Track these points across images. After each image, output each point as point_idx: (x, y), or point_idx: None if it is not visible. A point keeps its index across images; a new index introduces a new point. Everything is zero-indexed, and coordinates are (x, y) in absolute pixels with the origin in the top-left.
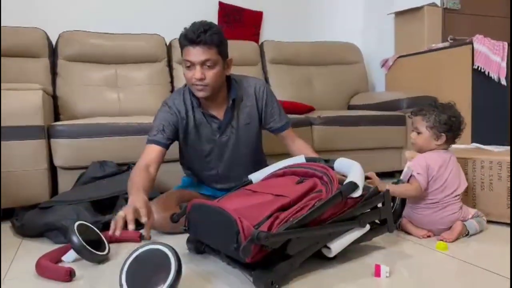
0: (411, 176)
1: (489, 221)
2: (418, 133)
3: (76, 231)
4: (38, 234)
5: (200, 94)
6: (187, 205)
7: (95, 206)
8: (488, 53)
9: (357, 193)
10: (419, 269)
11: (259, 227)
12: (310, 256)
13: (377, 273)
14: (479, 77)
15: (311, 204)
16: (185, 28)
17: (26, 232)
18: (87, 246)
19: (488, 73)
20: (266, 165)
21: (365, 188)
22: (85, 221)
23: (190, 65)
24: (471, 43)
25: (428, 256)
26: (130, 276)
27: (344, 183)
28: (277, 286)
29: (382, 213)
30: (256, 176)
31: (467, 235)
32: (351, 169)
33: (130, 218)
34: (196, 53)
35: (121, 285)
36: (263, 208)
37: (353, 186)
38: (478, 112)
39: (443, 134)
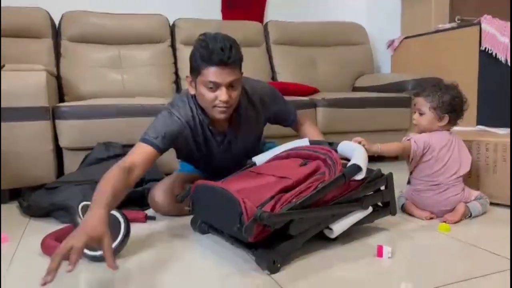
0: (408, 141)
1: (492, 203)
2: (421, 114)
3: (80, 212)
4: (45, 214)
5: (222, 116)
6: (191, 186)
7: None
8: (496, 34)
9: (360, 176)
10: (421, 250)
11: (262, 207)
12: (312, 237)
13: (379, 253)
14: (487, 58)
15: (314, 185)
16: (204, 44)
17: (33, 212)
18: None
19: (496, 54)
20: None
21: (368, 171)
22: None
23: (214, 87)
24: (479, 23)
25: (431, 237)
26: None
27: (348, 165)
28: (279, 265)
29: (385, 195)
30: (260, 159)
31: (469, 216)
32: (355, 152)
33: (79, 246)
34: (224, 75)
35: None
36: (266, 189)
37: (356, 168)
38: (484, 94)
39: (446, 115)
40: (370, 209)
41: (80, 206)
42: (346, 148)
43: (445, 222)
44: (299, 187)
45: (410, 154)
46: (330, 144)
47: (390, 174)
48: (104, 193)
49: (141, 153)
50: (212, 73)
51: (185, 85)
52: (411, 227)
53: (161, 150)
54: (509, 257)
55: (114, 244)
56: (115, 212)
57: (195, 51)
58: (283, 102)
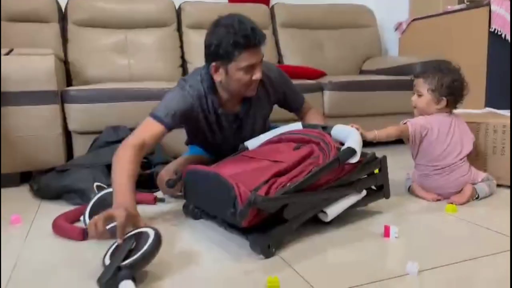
0: (405, 123)
1: (499, 185)
2: (419, 95)
3: (96, 191)
4: (56, 197)
5: (254, 93)
6: (183, 171)
7: (110, 169)
8: (506, 15)
9: (355, 159)
10: (428, 230)
11: (256, 191)
12: (310, 220)
13: (386, 233)
14: (496, 40)
15: (308, 169)
16: (233, 30)
17: (44, 194)
18: None
19: (505, 35)
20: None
21: (362, 154)
22: (101, 184)
23: (251, 67)
24: (488, 4)
25: (438, 218)
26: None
27: (342, 149)
28: (273, 249)
29: (379, 179)
30: (252, 143)
31: (477, 198)
32: (349, 136)
33: (123, 219)
34: (258, 54)
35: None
36: (260, 173)
37: (351, 152)
38: (493, 76)
39: (443, 98)
40: (364, 192)
41: (95, 186)
42: (340, 131)
43: (452, 203)
44: (293, 171)
45: (408, 138)
46: (324, 128)
47: (384, 157)
48: (123, 180)
49: (150, 130)
50: (249, 56)
51: (191, 69)
52: (418, 209)
53: (170, 128)
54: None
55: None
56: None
57: (222, 39)
58: (291, 84)
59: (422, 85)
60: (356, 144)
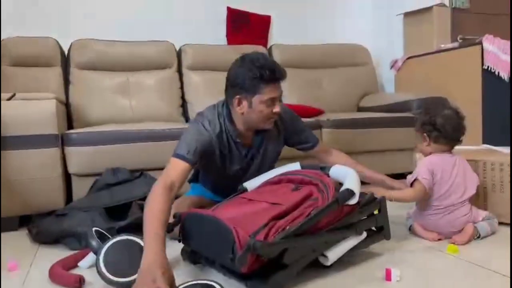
0: (414, 180)
1: (500, 223)
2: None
3: (94, 235)
4: (54, 241)
5: (271, 126)
6: (181, 215)
7: (109, 212)
8: (498, 53)
9: (353, 201)
10: (430, 272)
11: (255, 236)
12: (309, 264)
13: (388, 277)
14: (489, 77)
15: (307, 212)
16: (259, 65)
17: (43, 239)
18: (114, 278)
19: (498, 72)
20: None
21: (361, 195)
22: (99, 228)
23: (272, 102)
24: (480, 43)
25: (439, 259)
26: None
27: (340, 190)
28: None
29: (379, 220)
30: (251, 184)
31: (478, 237)
32: (347, 176)
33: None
34: (279, 89)
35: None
36: (259, 216)
37: (349, 193)
38: (488, 113)
39: (425, 134)
40: (365, 234)
41: (94, 230)
42: (338, 172)
43: (453, 243)
44: (292, 213)
45: (426, 194)
46: (322, 168)
47: (383, 198)
48: (156, 227)
49: (177, 170)
50: (271, 90)
51: (191, 109)
52: (419, 249)
53: (193, 164)
54: None
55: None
56: (136, 239)
57: (247, 72)
58: (301, 123)
59: (415, 125)
60: (354, 185)
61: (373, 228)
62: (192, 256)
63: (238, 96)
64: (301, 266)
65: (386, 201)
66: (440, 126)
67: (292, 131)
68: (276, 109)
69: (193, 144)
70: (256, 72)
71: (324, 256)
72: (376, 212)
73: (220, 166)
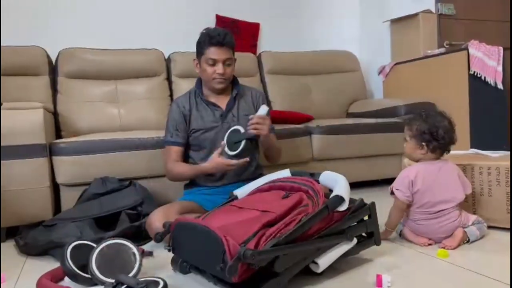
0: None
1: (489, 227)
2: (406, 141)
3: (68, 254)
4: (42, 252)
5: (219, 86)
6: (171, 224)
7: (98, 222)
8: (484, 58)
9: (343, 207)
10: (420, 277)
11: (245, 245)
12: (299, 272)
13: (379, 283)
14: (476, 82)
15: (298, 219)
16: (206, 31)
17: (30, 250)
18: (79, 272)
19: (485, 78)
20: (262, 175)
21: (351, 201)
22: (87, 239)
23: (214, 63)
24: (466, 48)
25: (430, 264)
26: (100, 263)
27: (330, 196)
28: None
29: (369, 226)
30: (241, 192)
31: (468, 241)
32: (337, 183)
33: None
34: (221, 53)
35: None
36: (250, 224)
37: (339, 199)
38: (475, 117)
39: (423, 143)
40: (355, 240)
41: (69, 248)
42: (328, 178)
43: (443, 248)
44: (283, 220)
45: (404, 204)
46: (312, 174)
47: (373, 204)
48: (189, 166)
49: (171, 154)
50: (212, 52)
51: None
52: (409, 254)
53: (181, 144)
54: (508, 282)
55: (133, 273)
56: (130, 245)
57: (199, 39)
58: (268, 108)
59: (406, 132)
60: (344, 191)
61: (363, 234)
62: (182, 265)
63: (195, 59)
64: (293, 274)
65: (375, 206)
66: (441, 137)
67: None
68: (219, 70)
69: (170, 126)
70: (203, 36)
71: (315, 263)
72: (366, 218)
73: (198, 124)
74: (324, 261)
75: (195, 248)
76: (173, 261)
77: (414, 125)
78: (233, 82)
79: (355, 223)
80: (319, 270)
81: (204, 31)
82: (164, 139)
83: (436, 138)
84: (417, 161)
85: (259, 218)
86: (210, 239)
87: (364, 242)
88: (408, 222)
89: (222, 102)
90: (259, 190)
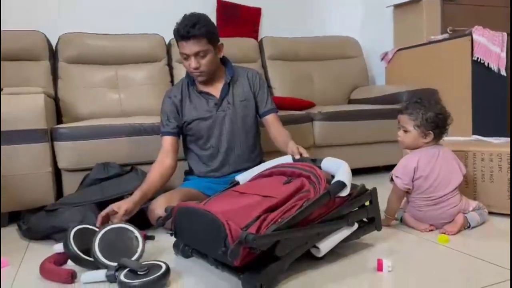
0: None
1: (490, 213)
2: (405, 131)
3: (71, 238)
4: (44, 237)
5: (199, 79)
6: (173, 209)
7: (100, 207)
8: (488, 44)
9: (345, 192)
10: (421, 262)
11: (247, 229)
12: (300, 256)
13: (380, 267)
14: (479, 68)
15: (299, 204)
16: (177, 23)
17: (33, 235)
18: (82, 255)
19: (488, 64)
20: (262, 161)
21: (353, 186)
22: (89, 223)
23: (186, 57)
24: (470, 34)
25: (430, 249)
26: (103, 247)
27: (332, 182)
28: None
29: (370, 211)
30: (243, 177)
31: (468, 227)
32: (339, 168)
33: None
34: (189, 47)
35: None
36: (251, 209)
37: (341, 185)
38: (478, 104)
39: (430, 131)
40: (356, 225)
41: (73, 232)
42: (329, 164)
43: (444, 233)
44: (284, 206)
45: (403, 191)
46: (313, 160)
47: (374, 189)
48: (141, 186)
49: (163, 146)
50: (180, 46)
51: None
52: (410, 239)
53: (173, 133)
54: (509, 268)
55: (135, 256)
56: (132, 229)
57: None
58: (267, 89)
59: (408, 122)
60: (346, 177)
61: (365, 219)
62: (184, 250)
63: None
64: (293, 258)
65: (376, 192)
66: (442, 121)
67: (260, 92)
68: (192, 64)
69: (164, 117)
70: (175, 28)
71: (316, 247)
72: (367, 203)
73: (192, 115)
74: (325, 245)
75: (197, 232)
76: (175, 246)
77: (417, 114)
78: (226, 66)
79: (357, 209)
80: (320, 255)
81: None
82: (161, 131)
83: (444, 125)
84: (412, 149)
85: (260, 203)
86: (212, 223)
87: (365, 227)
88: (410, 208)
89: (215, 89)
90: (260, 175)
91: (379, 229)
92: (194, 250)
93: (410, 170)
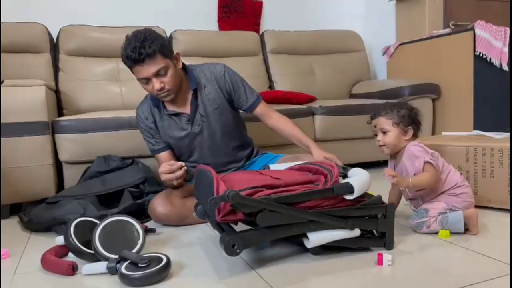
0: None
1: (490, 208)
2: (385, 132)
3: (72, 230)
4: (46, 229)
5: (167, 99)
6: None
7: (101, 200)
8: (490, 39)
9: (350, 196)
10: (421, 257)
11: (237, 192)
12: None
13: (380, 261)
14: (481, 63)
15: (300, 190)
16: (122, 48)
17: (34, 227)
18: (82, 247)
19: (490, 59)
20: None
21: (367, 195)
22: (91, 216)
23: (146, 81)
24: (472, 29)
25: (431, 244)
26: (103, 239)
27: (342, 182)
28: (238, 250)
29: (381, 225)
30: (275, 167)
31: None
32: (357, 175)
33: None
34: (146, 69)
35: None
36: (253, 182)
37: (348, 187)
38: (480, 99)
39: (409, 127)
40: (358, 231)
41: (73, 224)
42: (354, 173)
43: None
44: (287, 188)
45: (438, 176)
46: (344, 168)
47: (391, 205)
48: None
49: (162, 160)
50: (136, 71)
51: None
52: (411, 234)
53: (165, 148)
54: (509, 262)
55: (136, 249)
56: (133, 222)
57: (122, 53)
58: (240, 80)
59: (385, 122)
60: (357, 183)
61: (374, 232)
62: (199, 210)
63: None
64: (277, 236)
65: (394, 208)
66: (417, 117)
67: (234, 90)
68: (156, 85)
69: (147, 136)
70: (123, 54)
71: (306, 237)
72: (379, 216)
73: (169, 135)
74: (315, 237)
75: (202, 191)
76: (195, 206)
77: (392, 113)
78: (188, 74)
79: (365, 217)
80: (309, 246)
81: (124, 44)
82: (150, 150)
83: (419, 121)
84: (398, 152)
85: (265, 180)
86: (208, 181)
87: (372, 240)
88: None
89: (184, 104)
90: (291, 168)
91: (388, 247)
92: (205, 212)
93: (427, 149)
